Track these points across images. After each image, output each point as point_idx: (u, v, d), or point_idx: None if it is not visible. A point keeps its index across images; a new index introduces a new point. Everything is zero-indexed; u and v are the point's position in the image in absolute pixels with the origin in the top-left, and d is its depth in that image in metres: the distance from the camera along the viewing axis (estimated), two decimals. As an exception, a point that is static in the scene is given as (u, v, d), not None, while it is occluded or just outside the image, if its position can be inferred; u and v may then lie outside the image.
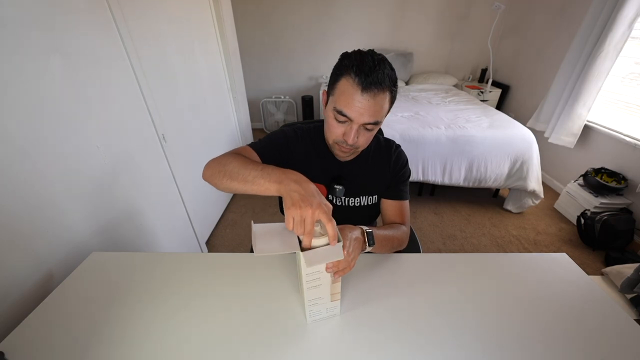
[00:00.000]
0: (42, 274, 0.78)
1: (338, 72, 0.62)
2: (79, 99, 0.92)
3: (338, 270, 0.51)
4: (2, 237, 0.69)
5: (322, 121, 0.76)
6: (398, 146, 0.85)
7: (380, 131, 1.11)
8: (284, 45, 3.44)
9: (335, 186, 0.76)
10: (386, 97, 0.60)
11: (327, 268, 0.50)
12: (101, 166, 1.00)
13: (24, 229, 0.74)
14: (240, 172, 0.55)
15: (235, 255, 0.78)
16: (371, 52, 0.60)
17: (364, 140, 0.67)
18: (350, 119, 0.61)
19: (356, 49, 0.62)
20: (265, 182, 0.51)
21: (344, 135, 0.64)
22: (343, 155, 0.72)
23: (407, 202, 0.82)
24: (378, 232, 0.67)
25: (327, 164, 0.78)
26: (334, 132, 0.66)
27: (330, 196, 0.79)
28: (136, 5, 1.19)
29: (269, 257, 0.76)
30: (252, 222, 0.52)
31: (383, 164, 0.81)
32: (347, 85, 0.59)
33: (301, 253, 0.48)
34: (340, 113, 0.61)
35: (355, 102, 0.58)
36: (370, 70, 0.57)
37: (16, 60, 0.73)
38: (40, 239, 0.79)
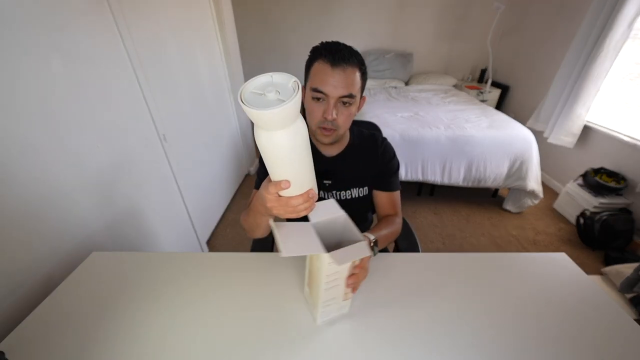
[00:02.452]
0: (42, 274, 0.78)
1: (310, 61, 0.69)
2: (79, 98, 0.92)
3: (356, 282, 0.54)
4: (2, 236, 0.69)
5: None
6: (384, 139, 0.87)
7: (378, 130, 1.11)
8: (283, 45, 3.44)
9: (323, 180, 0.79)
10: (356, 72, 0.66)
11: (347, 285, 0.51)
12: (101, 166, 1.00)
13: (24, 228, 0.74)
14: (250, 225, 0.68)
15: (236, 255, 0.78)
16: (334, 41, 0.68)
17: (342, 119, 0.70)
18: (325, 94, 0.66)
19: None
20: (258, 218, 0.60)
21: (324, 113, 0.68)
22: (326, 139, 0.73)
23: (398, 193, 0.86)
24: (380, 234, 0.70)
25: (317, 159, 0.80)
26: (315, 114, 0.69)
27: (320, 192, 0.80)
28: (137, 5, 1.19)
29: (268, 257, 0.76)
30: (271, 220, 0.52)
31: (371, 155, 0.83)
32: (318, 66, 0.66)
33: (327, 254, 0.46)
34: (316, 90, 0.66)
35: (328, 77, 0.65)
36: (336, 50, 0.65)
37: (16, 60, 0.73)
38: (40, 239, 0.79)
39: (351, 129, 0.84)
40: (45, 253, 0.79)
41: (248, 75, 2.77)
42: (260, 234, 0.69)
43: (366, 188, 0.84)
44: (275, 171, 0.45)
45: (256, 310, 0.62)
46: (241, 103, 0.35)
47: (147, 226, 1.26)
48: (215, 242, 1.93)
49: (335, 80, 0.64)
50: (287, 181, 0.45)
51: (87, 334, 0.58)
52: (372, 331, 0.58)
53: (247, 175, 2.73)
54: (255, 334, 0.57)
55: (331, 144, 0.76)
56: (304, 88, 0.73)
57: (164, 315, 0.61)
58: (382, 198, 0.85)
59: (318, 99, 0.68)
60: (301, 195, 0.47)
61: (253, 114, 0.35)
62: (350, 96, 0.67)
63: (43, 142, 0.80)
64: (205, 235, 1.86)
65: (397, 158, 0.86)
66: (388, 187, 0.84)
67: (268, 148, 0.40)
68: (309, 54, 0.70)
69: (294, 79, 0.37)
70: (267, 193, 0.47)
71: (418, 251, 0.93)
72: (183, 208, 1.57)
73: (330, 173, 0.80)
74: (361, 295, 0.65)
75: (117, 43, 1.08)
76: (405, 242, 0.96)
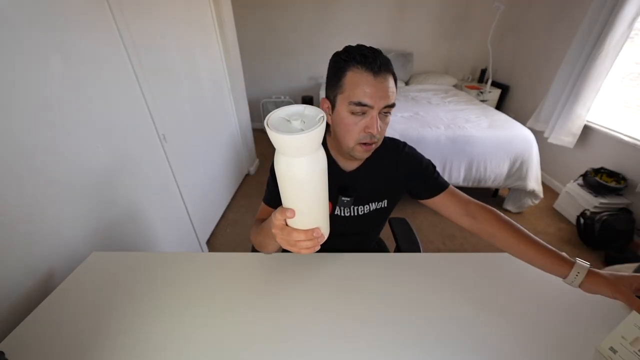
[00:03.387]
0: (42, 274, 0.78)
1: (339, 69, 0.61)
2: (79, 98, 0.92)
3: None
4: (2, 236, 0.69)
5: None
6: (405, 145, 0.79)
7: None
8: (283, 45, 3.44)
9: (342, 198, 0.73)
10: (392, 79, 0.61)
11: None
12: (101, 166, 1.00)
13: (24, 228, 0.74)
14: (259, 243, 0.68)
15: (235, 255, 0.78)
16: (361, 45, 0.61)
17: (383, 130, 0.64)
18: (370, 106, 0.59)
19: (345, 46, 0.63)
20: (267, 239, 0.61)
21: (367, 128, 0.61)
22: (366, 154, 0.67)
23: (452, 187, 0.75)
24: (547, 247, 0.61)
25: (335, 175, 0.74)
26: (355, 130, 0.62)
27: (337, 208, 0.76)
28: (136, 5, 1.19)
29: (268, 257, 0.76)
30: None
31: (391, 166, 0.76)
32: (356, 76, 0.59)
33: None
34: (359, 104, 0.59)
35: (371, 87, 0.58)
36: (373, 57, 0.58)
37: (16, 60, 0.73)
38: (41, 239, 0.79)
39: None
40: (45, 253, 0.79)
41: (248, 75, 2.79)
42: (268, 251, 0.68)
43: (385, 201, 0.78)
44: (287, 199, 0.45)
45: (256, 310, 0.62)
46: (265, 126, 0.37)
47: (147, 226, 1.26)
48: (215, 242, 1.93)
49: (379, 91, 0.58)
50: (293, 210, 0.44)
51: (87, 334, 0.58)
52: (372, 331, 0.58)
53: (247, 175, 2.73)
54: (255, 335, 0.57)
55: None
56: (325, 101, 0.67)
57: (163, 315, 0.61)
58: (444, 202, 0.73)
59: (361, 112, 0.60)
60: (305, 231, 0.45)
61: (275, 137, 0.36)
62: (393, 106, 0.61)
63: (43, 142, 0.80)
64: (205, 235, 1.86)
65: (427, 159, 0.78)
66: (439, 188, 0.74)
67: (284, 174, 0.41)
68: (334, 60, 0.63)
69: (322, 114, 0.39)
70: (274, 218, 0.47)
71: (418, 251, 0.93)
72: (183, 208, 1.57)
73: (351, 189, 0.74)
74: (361, 294, 0.65)
75: (116, 43, 1.08)
76: (406, 242, 0.96)
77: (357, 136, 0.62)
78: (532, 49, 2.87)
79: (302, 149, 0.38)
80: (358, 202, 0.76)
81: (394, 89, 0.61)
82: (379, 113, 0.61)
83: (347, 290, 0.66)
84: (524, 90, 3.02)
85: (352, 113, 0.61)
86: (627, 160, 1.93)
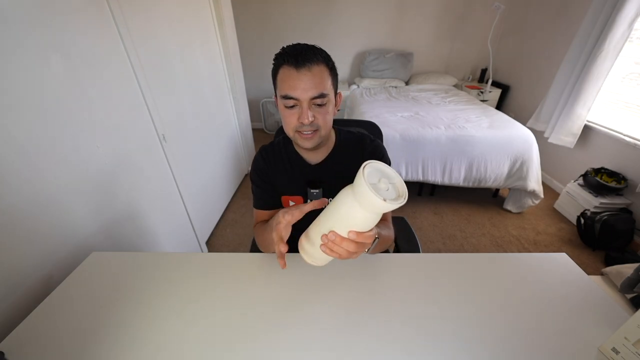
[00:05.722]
0: (42, 274, 0.78)
1: (275, 70, 0.66)
2: (79, 98, 0.92)
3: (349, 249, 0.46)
4: (2, 236, 0.69)
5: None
6: (374, 140, 0.81)
7: (379, 131, 1.10)
8: (283, 45, 3.44)
9: (311, 190, 0.76)
10: (323, 69, 0.63)
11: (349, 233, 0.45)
12: (101, 166, 1.00)
13: (24, 228, 0.74)
14: (267, 248, 0.74)
15: (235, 255, 0.78)
16: (298, 43, 0.65)
17: (322, 118, 0.66)
18: (296, 99, 0.63)
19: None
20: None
21: (299, 118, 0.65)
22: (308, 142, 0.69)
23: None
24: (380, 234, 0.63)
25: (303, 169, 0.79)
26: (290, 121, 0.66)
27: (308, 201, 0.78)
28: (136, 5, 1.19)
29: (268, 257, 0.76)
30: None
31: (355, 157, 0.76)
32: (283, 72, 0.63)
33: None
34: (286, 97, 0.63)
35: (295, 81, 0.62)
36: (298, 52, 0.62)
37: (16, 59, 0.73)
38: (41, 239, 0.79)
39: (339, 131, 0.80)
40: (45, 253, 0.79)
41: (248, 75, 2.78)
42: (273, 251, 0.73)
43: None
44: (322, 224, 0.48)
45: (255, 310, 0.62)
46: (362, 170, 0.41)
47: (147, 226, 1.26)
48: (215, 242, 1.93)
49: (303, 83, 0.61)
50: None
51: (87, 334, 0.58)
52: (372, 331, 0.57)
53: (247, 175, 2.73)
54: (255, 334, 0.57)
55: (315, 147, 0.72)
56: (275, 98, 0.69)
57: (163, 315, 0.61)
58: None
59: (292, 106, 0.64)
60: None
61: (362, 187, 0.40)
62: (322, 96, 0.63)
63: (42, 142, 0.80)
64: (204, 235, 1.86)
65: (388, 157, 0.81)
66: None
67: (341, 209, 0.45)
68: (273, 62, 0.67)
69: (406, 195, 0.42)
70: (275, 236, 0.55)
71: (418, 251, 0.93)
72: (182, 208, 1.57)
73: (318, 182, 0.77)
74: (361, 295, 0.65)
75: (116, 43, 1.08)
76: (406, 243, 0.96)
77: (294, 126, 0.67)
78: (532, 49, 2.87)
79: (372, 208, 0.41)
80: (327, 193, 0.79)
81: (323, 79, 0.63)
82: (312, 104, 0.64)
83: (346, 290, 0.66)
84: (524, 90, 3.02)
85: (286, 107, 0.65)
86: (627, 160, 1.93)
